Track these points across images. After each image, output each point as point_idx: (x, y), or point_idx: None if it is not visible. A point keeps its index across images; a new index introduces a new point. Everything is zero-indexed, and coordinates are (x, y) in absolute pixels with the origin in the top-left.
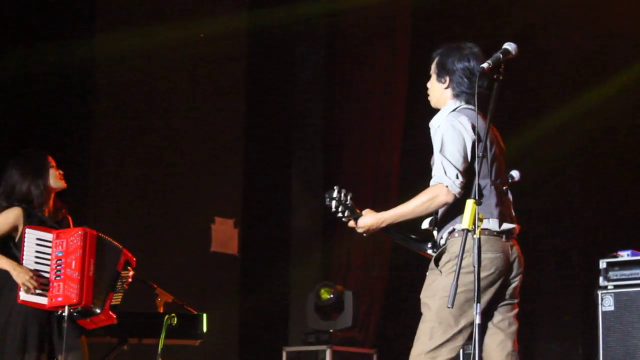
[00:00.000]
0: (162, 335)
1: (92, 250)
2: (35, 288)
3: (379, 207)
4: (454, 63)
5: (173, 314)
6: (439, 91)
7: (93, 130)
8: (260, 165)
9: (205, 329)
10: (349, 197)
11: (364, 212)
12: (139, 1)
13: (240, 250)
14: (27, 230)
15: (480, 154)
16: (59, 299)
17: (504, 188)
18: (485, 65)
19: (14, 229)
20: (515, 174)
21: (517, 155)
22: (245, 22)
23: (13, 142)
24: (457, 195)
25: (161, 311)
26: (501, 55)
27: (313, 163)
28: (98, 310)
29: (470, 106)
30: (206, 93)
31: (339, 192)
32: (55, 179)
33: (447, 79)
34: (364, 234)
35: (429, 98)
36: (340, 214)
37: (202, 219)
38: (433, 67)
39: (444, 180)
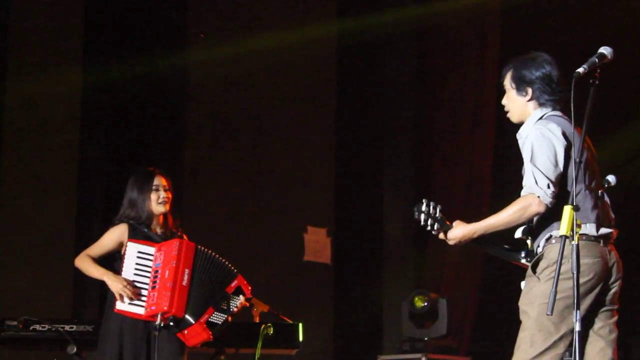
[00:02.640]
0: (259, 345)
1: (189, 260)
2: (130, 297)
3: (471, 215)
4: (532, 72)
5: (269, 324)
6: (521, 105)
7: (185, 140)
8: (352, 174)
9: (301, 339)
10: (438, 210)
11: (454, 224)
12: (231, 11)
13: (333, 259)
14: (129, 243)
15: (577, 159)
16: (153, 307)
17: (600, 192)
18: (580, 70)
19: (120, 244)
20: (611, 178)
21: (614, 159)
22: (335, 30)
23: (108, 150)
24: (549, 205)
25: (257, 321)
26: (597, 60)
27: (405, 171)
28: (192, 320)
29: (557, 112)
30: (297, 102)
31: (428, 206)
32: (154, 203)
33: (529, 90)
34: (455, 246)
35: (509, 115)
36: (429, 227)
37: (295, 228)
38: (507, 82)
39: (536, 190)
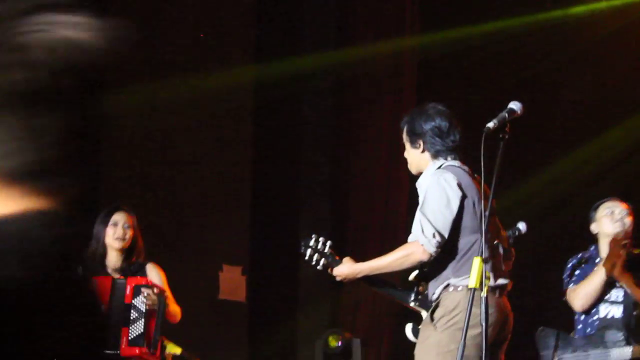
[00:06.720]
0: None
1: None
2: None
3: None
4: (421, 126)
5: None
6: (417, 157)
7: (102, 181)
8: (268, 213)
9: None
10: (327, 245)
11: (343, 260)
12: (146, 56)
13: (248, 298)
14: None
15: (487, 213)
16: None
17: (495, 242)
18: (490, 125)
19: None
20: (522, 226)
21: (522, 205)
22: (253, 75)
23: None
24: (433, 254)
25: None
26: (507, 115)
27: (320, 210)
28: (116, 352)
29: (454, 163)
30: (214, 144)
31: (316, 241)
32: (110, 238)
33: (420, 142)
34: (343, 282)
35: (409, 166)
36: (314, 263)
37: (210, 266)
38: (404, 136)
39: (420, 238)
